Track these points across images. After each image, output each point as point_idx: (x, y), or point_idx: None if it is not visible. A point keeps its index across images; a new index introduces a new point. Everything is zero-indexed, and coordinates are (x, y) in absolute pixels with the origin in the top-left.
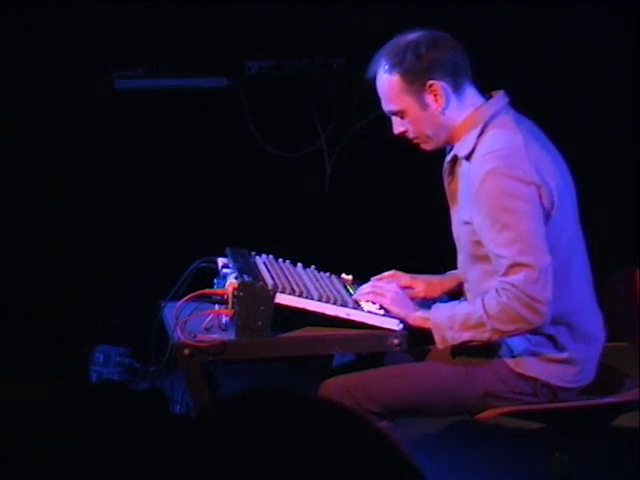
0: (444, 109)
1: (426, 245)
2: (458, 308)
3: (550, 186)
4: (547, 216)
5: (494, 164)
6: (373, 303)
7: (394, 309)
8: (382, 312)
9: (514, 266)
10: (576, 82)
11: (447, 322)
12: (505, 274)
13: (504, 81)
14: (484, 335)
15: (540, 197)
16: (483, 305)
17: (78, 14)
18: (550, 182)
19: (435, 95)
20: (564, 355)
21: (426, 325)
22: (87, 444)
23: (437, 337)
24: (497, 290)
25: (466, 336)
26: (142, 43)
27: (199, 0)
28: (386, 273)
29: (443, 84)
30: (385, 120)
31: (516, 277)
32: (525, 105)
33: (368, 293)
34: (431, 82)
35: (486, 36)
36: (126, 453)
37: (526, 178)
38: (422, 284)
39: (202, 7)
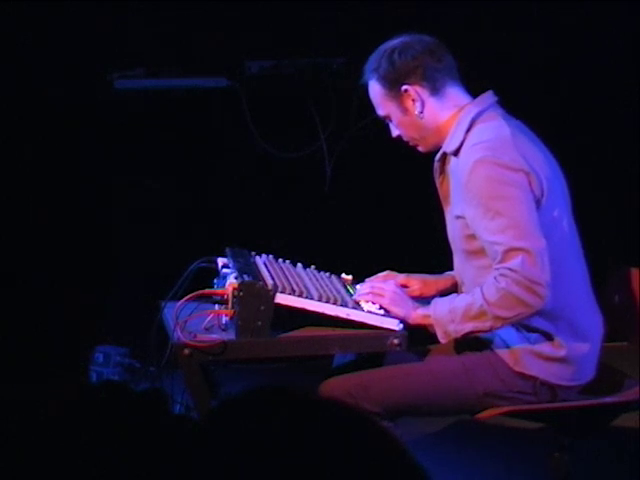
0: (421, 112)
1: (426, 245)
2: (457, 301)
3: (539, 174)
4: (537, 203)
5: (482, 153)
6: (373, 303)
7: (393, 309)
8: (382, 312)
9: (510, 251)
10: (576, 82)
11: (448, 316)
12: (502, 260)
13: (504, 82)
14: (486, 324)
15: (530, 184)
16: (482, 294)
17: (78, 14)
18: (539, 171)
19: (412, 100)
20: (563, 353)
21: (427, 322)
22: (86, 444)
23: (439, 332)
24: (495, 277)
25: (468, 327)
26: (142, 43)
27: (199, 0)
28: (381, 274)
29: (418, 88)
30: (384, 121)
31: (513, 262)
32: (523, 105)
33: (367, 294)
34: (405, 87)
35: (486, 36)
36: (126, 453)
37: (514, 165)
38: (417, 283)
39: (202, 7)
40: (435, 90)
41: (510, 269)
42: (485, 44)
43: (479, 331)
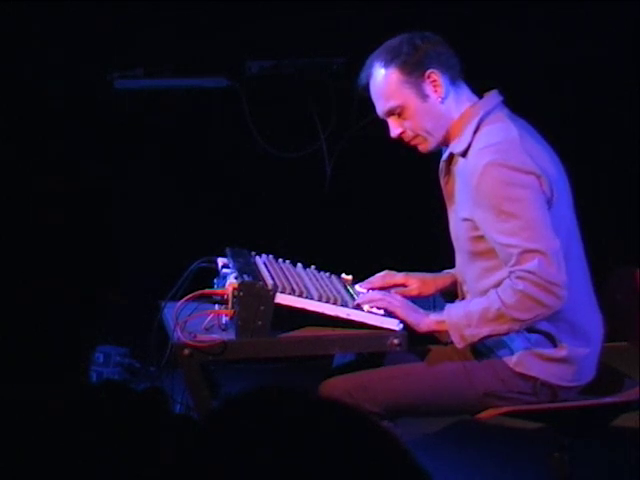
0: (444, 98)
1: (425, 245)
2: (472, 304)
3: (548, 175)
4: (549, 204)
5: (492, 157)
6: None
7: (407, 317)
8: (382, 312)
9: (525, 253)
10: (576, 82)
11: (464, 320)
12: (517, 263)
13: (503, 81)
14: (503, 327)
15: (540, 185)
16: (499, 297)
17: (78, 14)
18: (547, 172)
19: (434, 85)
20: (563, 354)
21: (442, 327)
22: (86, 444)
23: (455, 337)
24: (512, 280)
25: (485, 331)
26: (142, 43)
27: (199, 0)
28: (379, 273)
29: (441, 74)
30: (385, 121)
31: (531, 264)
32: (523, 105)
33: (380, 300)
34: (430, 71)
35: (486, 36)
36: (126, 453)
37: (525, 168)
38: (416, 282)
39: (202, 7)
40: (453, 80)
41: (527, 271)
42: (485, 44)
43: (497, 334)
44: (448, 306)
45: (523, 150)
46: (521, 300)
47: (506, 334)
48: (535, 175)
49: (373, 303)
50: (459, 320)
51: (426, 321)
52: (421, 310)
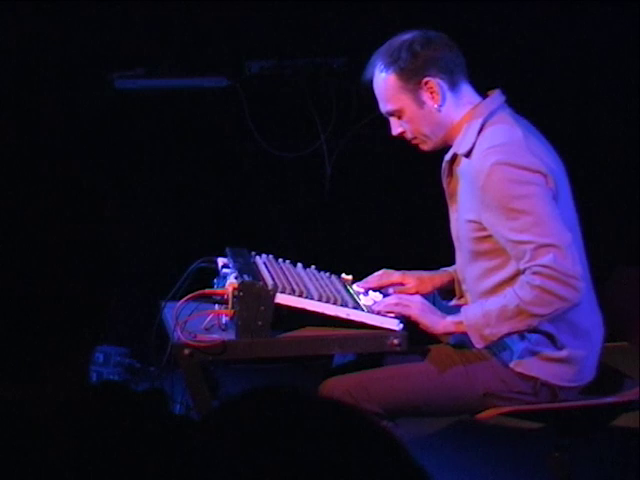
0: (440, 106)
1: (426, 245)
2: (489, 304)
3: (554, 173)
4: (555, 199)
5: (497, 157)
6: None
7: (422, 319)
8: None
9: (540, 248)
10: (576, 81)
11: (482, 320)
12: (532, 258)
13: (503, 81)
14: (523, 324)
15: (547, 183)
16: (517, 294)
17: (78, 14)
18: (552, 170)
19: (431, 92)
20: (563, 354)
21: (460, 329)
22: (86, 444)
23: (474, 337)
24: (527, 276)
25: (505, 329)
26: (142, 43)
27: (199, 0)
28: (376, 273)
29: (439, 81)
30: (385, 120)
31: (546, 258)
32: (524, 105)
33: (396, 304)
34: (427, 79)
35: (485, 36)
36: (126, 453)
37: (532, 167)
38: (413, 280)
39: (202, 7)
40: (453, 84)
41: (543, 265)
42: (485, 43)
43: (516, 331)
44: (464, 308)
45: (528, 150)
46: (539, 295)
47: (525, 331)
48: (542, 173)
49: (389, 309)
50: (477, 320)
51: (443, 323)
52: (438, 312)
